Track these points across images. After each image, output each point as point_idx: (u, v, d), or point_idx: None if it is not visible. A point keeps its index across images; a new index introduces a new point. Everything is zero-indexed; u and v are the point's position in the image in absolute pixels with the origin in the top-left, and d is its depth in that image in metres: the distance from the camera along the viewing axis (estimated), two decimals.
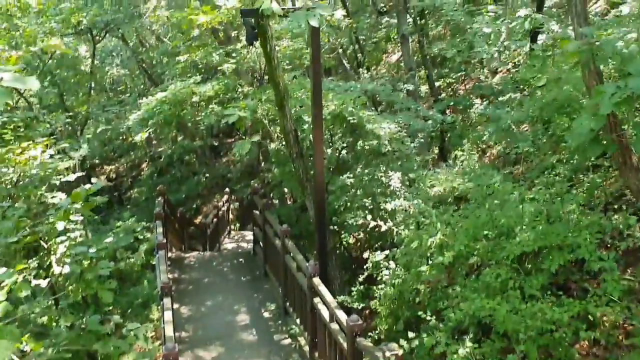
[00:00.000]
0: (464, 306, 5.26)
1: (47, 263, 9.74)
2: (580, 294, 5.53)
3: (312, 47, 7.41)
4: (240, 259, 11.30)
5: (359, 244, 11.41)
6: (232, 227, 18.24)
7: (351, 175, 8.75)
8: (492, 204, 6.32)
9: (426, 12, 12.98)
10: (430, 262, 6.31)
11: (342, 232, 9.19)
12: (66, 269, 9.44)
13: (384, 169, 8.63)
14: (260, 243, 10.46)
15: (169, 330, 5.94)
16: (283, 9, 6.76)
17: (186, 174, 23.08)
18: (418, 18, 12.30)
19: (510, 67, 11.43)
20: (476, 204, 6.75)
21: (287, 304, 8.70)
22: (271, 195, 14.49)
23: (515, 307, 5.06)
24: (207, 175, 22.66)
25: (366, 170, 8.69)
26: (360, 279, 8.22)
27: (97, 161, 26.39)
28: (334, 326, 6.57)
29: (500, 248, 5.60)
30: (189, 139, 22.54)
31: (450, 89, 12.60)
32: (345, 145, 9.20)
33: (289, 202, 14.63)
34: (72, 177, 10.47)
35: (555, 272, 5.34)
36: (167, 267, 10.61)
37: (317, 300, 7.25)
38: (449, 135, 11.35)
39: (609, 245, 5.70)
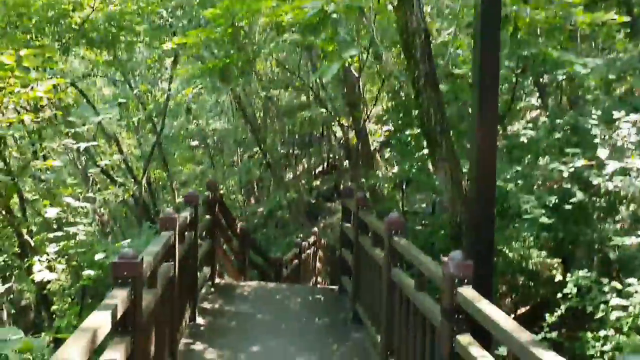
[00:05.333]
0: None
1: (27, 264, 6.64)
2: None
3: None
4: (318, 296, 7.34)
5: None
6: (320, 280, 14.37)
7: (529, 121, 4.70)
8: None
9: None
10: None
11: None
12: (51, 276, 6.30)
13: (599, 110, 4.52)
14: (352, 271, 6.51)
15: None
16: None
17: (279, 235, 21.00)
18: None
19: None
20: None
21: None
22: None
23: None
24: (301, 236, 20.42)
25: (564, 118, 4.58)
26: (550, 318, 3.95)
27: None
28: None
29: None
30: (282, 191, 20.35)
31: None
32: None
33: None
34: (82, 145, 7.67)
35: None
36: (204, 289, 6.94)
37: (465, 340, 3.15)
38: None
39: None
